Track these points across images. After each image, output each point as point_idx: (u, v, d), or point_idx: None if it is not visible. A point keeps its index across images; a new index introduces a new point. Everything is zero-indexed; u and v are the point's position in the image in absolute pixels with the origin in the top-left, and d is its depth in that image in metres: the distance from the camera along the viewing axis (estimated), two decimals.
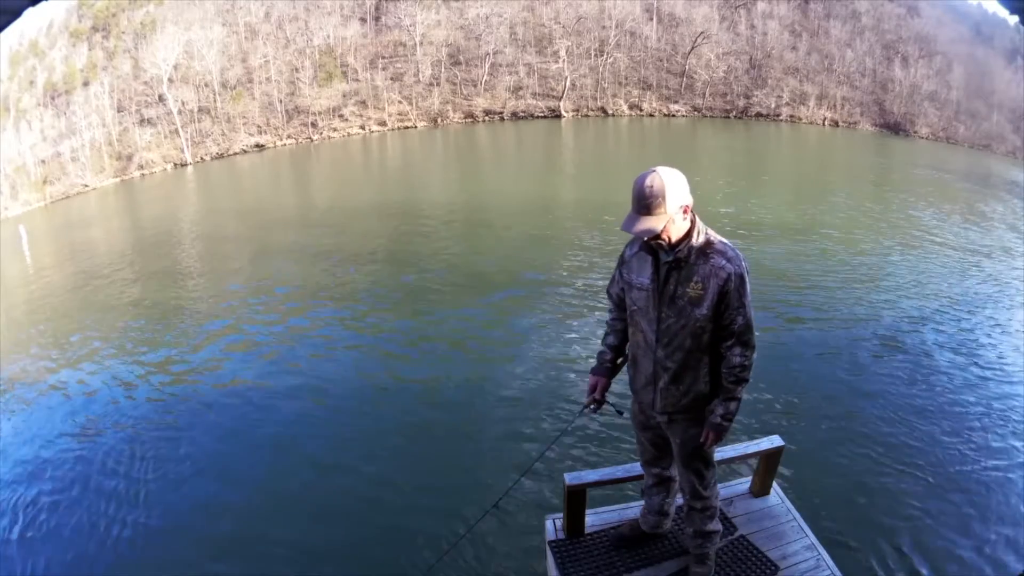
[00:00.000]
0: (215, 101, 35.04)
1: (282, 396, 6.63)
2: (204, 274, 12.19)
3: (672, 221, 2.20)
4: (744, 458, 3.27)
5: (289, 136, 35.48)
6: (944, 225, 13.79)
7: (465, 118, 38.66)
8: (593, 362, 2.71)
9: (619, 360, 2.67)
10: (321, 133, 36.07)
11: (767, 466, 3.26)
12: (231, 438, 5.95)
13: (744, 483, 3.40)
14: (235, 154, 33.51)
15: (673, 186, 2.17)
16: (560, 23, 41.44)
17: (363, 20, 41.13)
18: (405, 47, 40.26)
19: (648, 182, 2.16)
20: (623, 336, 2.63)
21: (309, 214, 17.90)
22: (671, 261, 2.30)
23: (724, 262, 2.26)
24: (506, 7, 41.26)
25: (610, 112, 40.08)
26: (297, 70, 37.47)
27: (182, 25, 35.82)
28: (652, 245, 2.34)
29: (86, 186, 28.90)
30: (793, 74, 41.18)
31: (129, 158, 31.40)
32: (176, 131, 32.77)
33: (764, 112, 39.48)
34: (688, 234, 2.28)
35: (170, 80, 34.01)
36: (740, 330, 2.31)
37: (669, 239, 2.24)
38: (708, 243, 2.30)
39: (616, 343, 2.65)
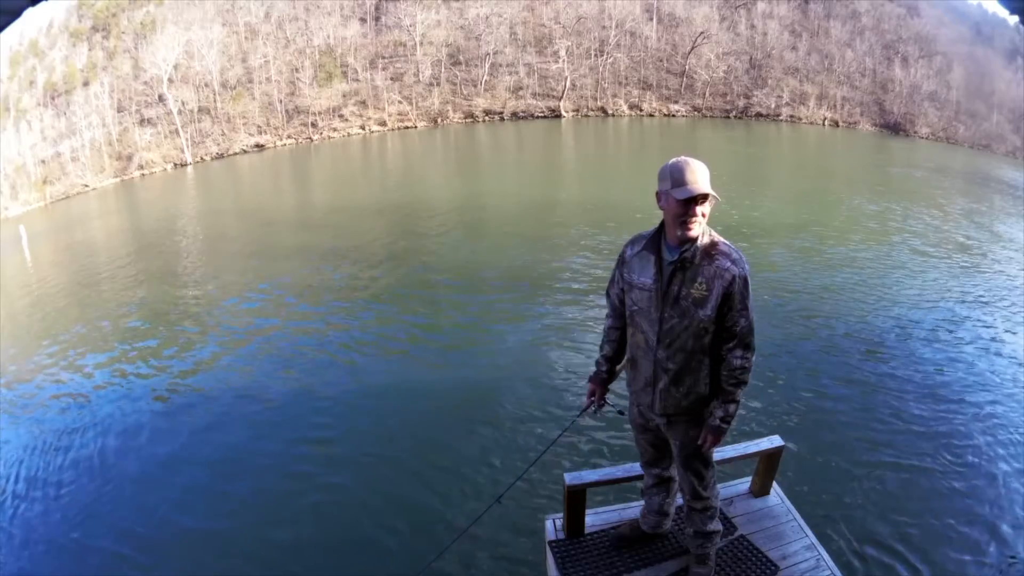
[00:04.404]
0: (215, 101, 35.03)
1: (280, 395, 6.64)
2: (204, 274, 12.18)
3: (712, 201, 2.24)
4: (744, 458, 3.27)
5: (289, 136, 35.47)
6: (944, 225, 13.79)
7: (465, 118, 38.65)
8: (592, 363, 2.75)
9: (615, 369, 2.70)
10: (321, 133, 36.06)
11: (767, 466, 3.26)
12: (229, 437, 5.95)
13: (744, 483, 3.40)
14: (235, 154, 33.50)
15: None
16: (560, 23, 41.43)
17: (363, 20, 41.11)
18: (405, 47, 40.25)
19: (698, 161, 2.24)
20: (618, 346, 2.64)
21: (309, 214, 17.90)
22: (676, 261, 2.30)
23: (729, 264, 2.26)
24: (506, 7, 41.24)
25: (610, 112, 40.07)
26: (297, 70, 37.45)
27: (182, 25, 35.79)
28: (658, 243, 2.36)
29: (86, 186, 28.88)
30: (793, 74, 41.16)
31: (129, 158, 31.38)
32: (176, 131, 32.76)
33: (764, 112, 39.47)
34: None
35: (170, 80, 34.00)
36: (742, 332, 2.31)
37: (704, 216, 2.26)
38: (713, 244, 2.30)
39: (611, 354, 2.66)
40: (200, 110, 34.45)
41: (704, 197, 2.21)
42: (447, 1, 41.18)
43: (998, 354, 7.06)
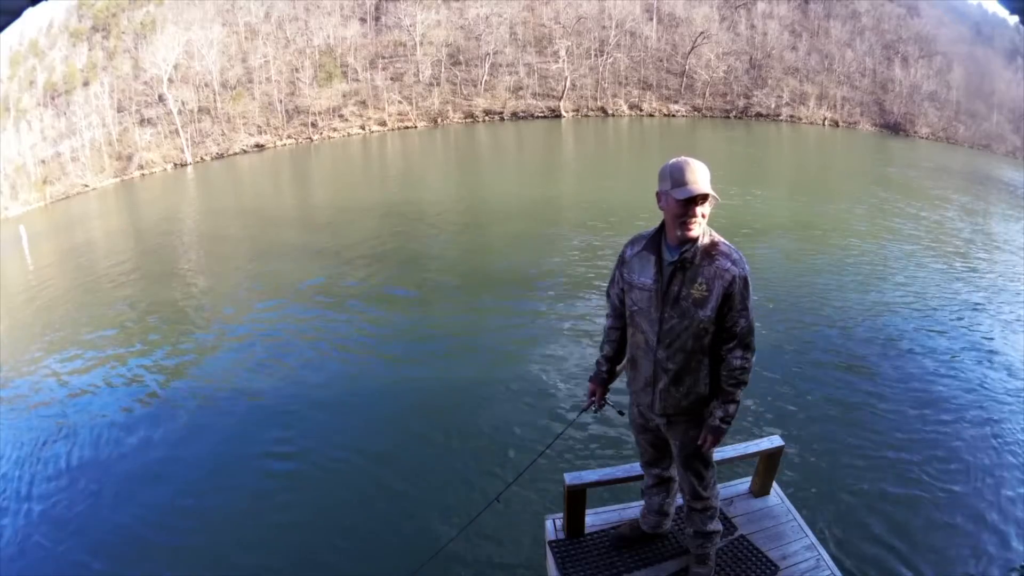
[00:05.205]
0: (215, 101, 35.03)
1: (281, 396, 6.64)
2: (204, 274, 12.19)
3: (712, 202, 2.24)
4: (744, 458, 3.27)
5: (289, 136, 35.47)
6: (943, 225, 13.79)
7: (465, 118, 38.65)
8: (593, 362, 2.76)
9: (615, 369, 2.71)
10: (321, 133, 36.06)
11: (767, 466, 3.27)
12: (228, 437, 5.95)
13: (744, 483, 3.40)
14: (235, 154, 33.50)
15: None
16: (560, 23, 41.43)
17: (363, 20, 41.12)
18: (405, 47, 40.25)
19: (698, 161, 2.23)
20: (618, 346, 2.64)
21: (309, 214, 17.90)
22: (676, 261, 2.30)
23: (729, 264, 2.26)
24: (506, 7, 41.24)
25: (610, 112, 40.07)
26: (297, 70, 37.45)
27: (182, 25, 35.79)
28: (658, 243, 2.36)
29: (86, 186, 28.87)
30: (793, 74, 41.16)
31: (129, 158, 31.38)
32: (176, 131, 32.76)
33: (764, 112, 39.47)
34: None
35: (170, 80, 33.99)
36: (742, 332, 2.31)
37: (704, 216, 2.26)
38: (713, 244, 2.30)
39: (611, 354, 2.67)
40: (200, 110, 34.45)
41: (704, 197, 2.21)
42: (447, 1, 41.18)
43: (1005, 354, 7.06)
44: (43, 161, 29.24)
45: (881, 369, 6.70)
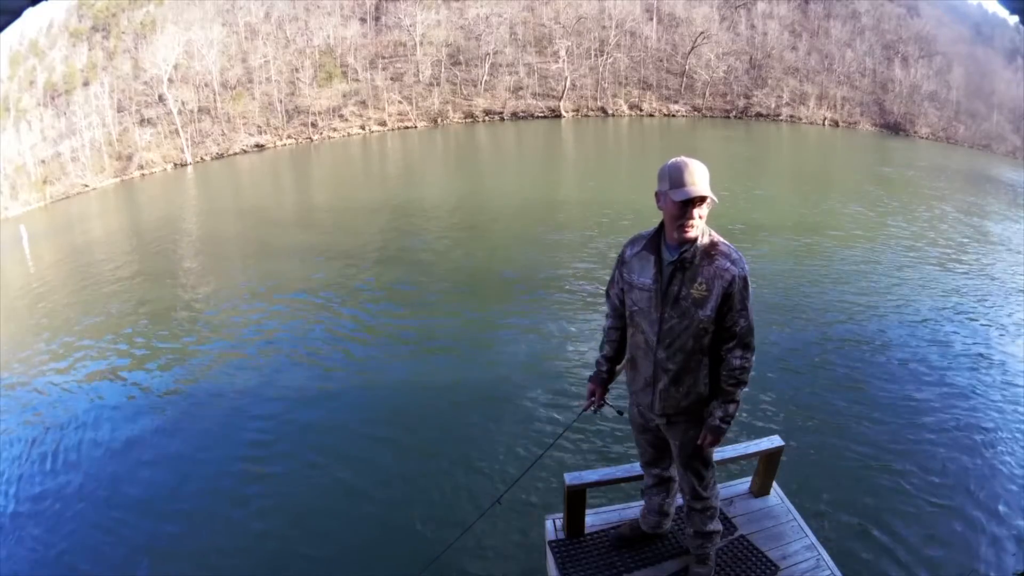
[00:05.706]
0: (215, 101, 35.02)
1: (281, 397, 6.63)
2: (204, 275, 12.19)
3: (710, 203, 2.23)
4: (744, 458, 3.27)
5: (289, 136, 35.46)
6: (944, 225, 13.79)
7: (465, 118, 38.65)
8: (593, 362, 2.76)
9: (615, 369, 2.70)
10: (321, 133, 36.05)
11: (767, 466, 3.27)
12: (228, 439, 5.95)
13: (744, 483, 3.40)
14: (235, 154, 33.49)
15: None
16: (560, 23, 41.42)
17: (363, 20, 41.11)
18: (405, 47, 40.25)
19: (697, 162, 2.21)
20: (618, 346, 2.64)
21: (309, 214, 17.89)
22: (676, 261, 2.30)
23: (729, 264, 2.26)
24: (506, 7, 41.24)
25: (610, 112, 40.07)
26: (297, 70, 37.45)
27: (182, 25, 35.79)
28: (658, 243, 2.36)
29: (86, 186, 28.87)
30: (793, 74, 41.15)
31: (129, 158, 31.37)
32: (176, 131, 32.75)
33: (764, 112, 39.46)
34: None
35: (170, 80, 33.99)
36: (742, 332, 2.31)
37: (701, 218, 2.25)
38: (713, 244, 2.30)
39: (611, 354, 2.66)
40: (200, 110, 34.44)
41: (702, 200, 2.20)
42: (447, 1, 41.18)
43: (1005, 353, 7.06)
44: (43, 161, 29.23)
45: (881, 369, 6.70)
